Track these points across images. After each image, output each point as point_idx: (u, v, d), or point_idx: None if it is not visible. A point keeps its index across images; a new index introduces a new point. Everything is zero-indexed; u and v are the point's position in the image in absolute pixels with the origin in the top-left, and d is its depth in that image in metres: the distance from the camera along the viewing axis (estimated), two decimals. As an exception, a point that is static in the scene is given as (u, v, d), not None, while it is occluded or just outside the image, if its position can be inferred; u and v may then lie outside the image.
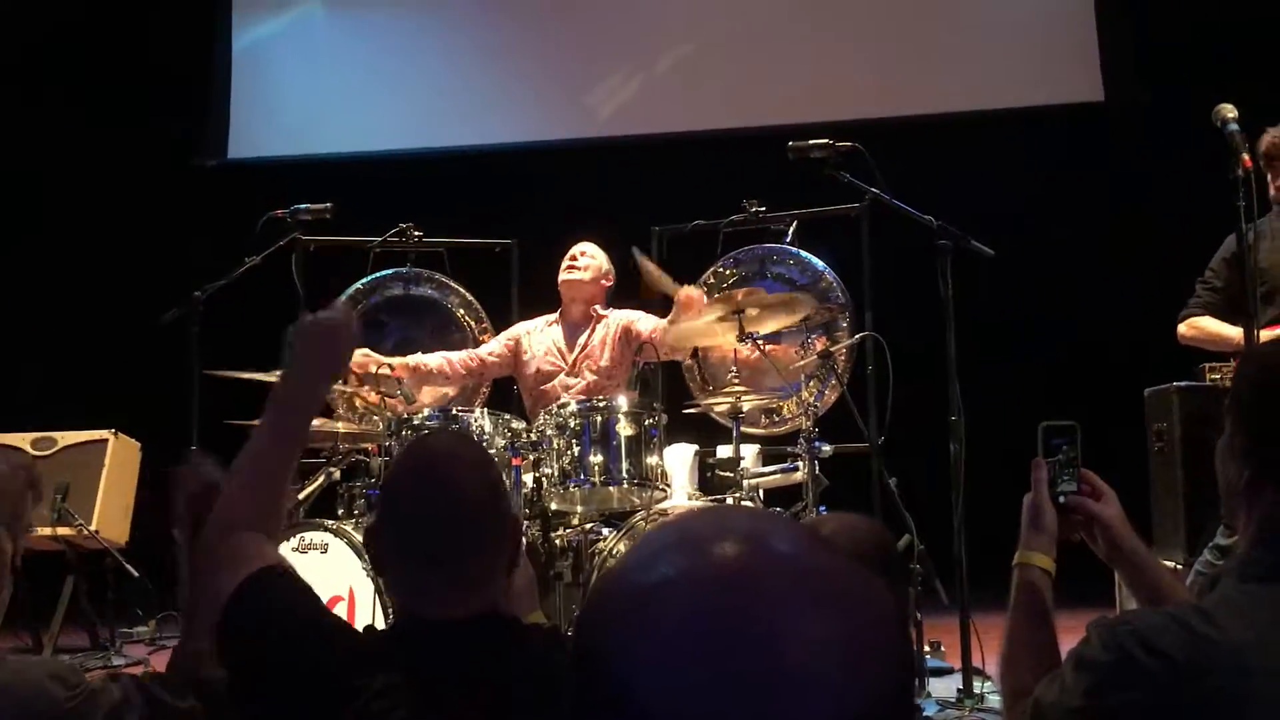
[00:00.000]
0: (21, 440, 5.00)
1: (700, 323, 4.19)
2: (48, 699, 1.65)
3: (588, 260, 4.63)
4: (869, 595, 0.69)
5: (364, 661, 1.47)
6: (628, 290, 4.79)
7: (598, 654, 0.68)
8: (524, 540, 2.10)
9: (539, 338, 4.65)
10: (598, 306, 4.64)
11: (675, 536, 0.71)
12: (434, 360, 4.59)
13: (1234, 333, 3.83)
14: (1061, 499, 1.66)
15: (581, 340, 4.58)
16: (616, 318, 4.62)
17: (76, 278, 6.91)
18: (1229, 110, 3.39)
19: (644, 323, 4.56)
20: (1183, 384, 3.97)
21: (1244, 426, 1.48)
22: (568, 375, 4.54)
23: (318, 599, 1.60)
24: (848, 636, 0.66)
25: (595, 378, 4.51)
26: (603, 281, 4.67)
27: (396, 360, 4.46)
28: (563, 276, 4.63)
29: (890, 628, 0.69)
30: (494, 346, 4.74)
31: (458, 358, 4.66)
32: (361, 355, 4.29)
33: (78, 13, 6.97)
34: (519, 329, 4.74)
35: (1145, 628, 1.33)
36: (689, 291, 4.34)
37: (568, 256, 4.66)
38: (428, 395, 4.80)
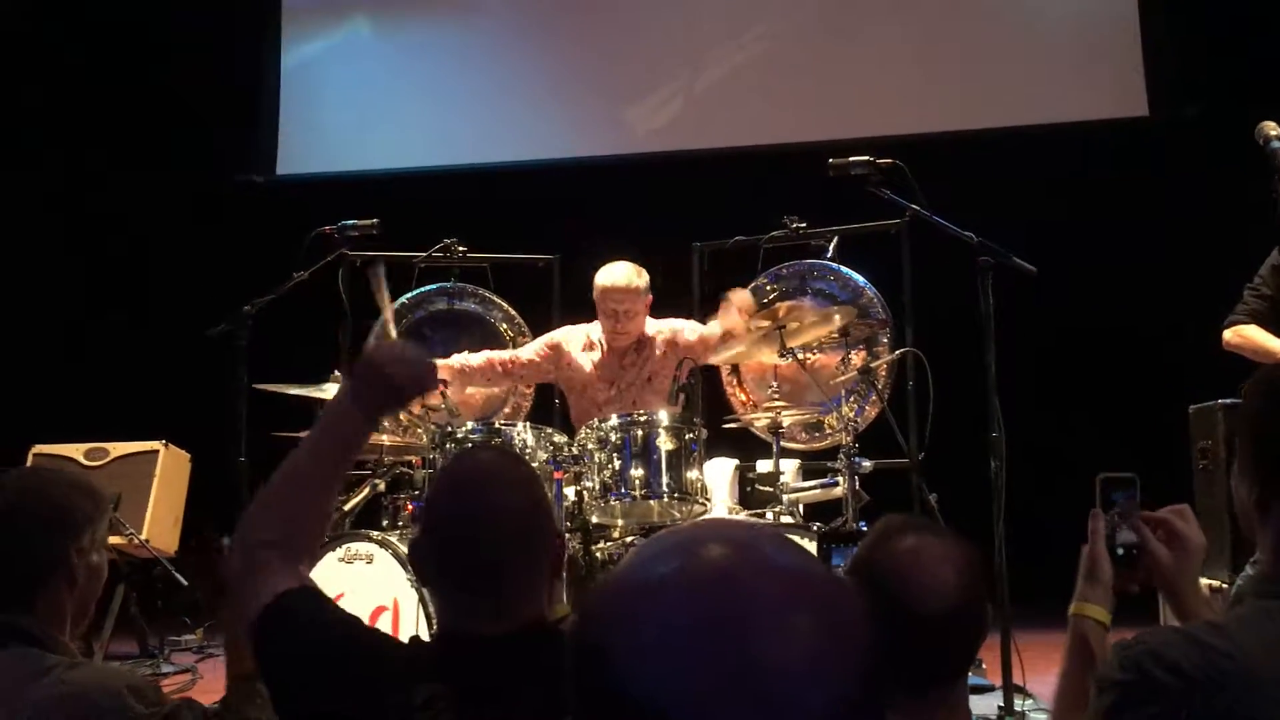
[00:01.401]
0: (74, 451, 5.11)
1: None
2: (125, 712, 1.66)
3: (628, 307, 4.46)
4: (841, 599, 0.75)
5: (406, 673, 1.47)
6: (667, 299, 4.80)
7: (595, 647, 0.74)
8: (566, 553, 2.13)
9: (580, 359, 4.63)
10: (644, 329, 4.60)
11: (671, 541, 0.77)
12: (477, 360, 4.62)
13: (1278, 345, 3.81)
14: (1119, 551, 1.63)
15: (627, 364, 4.58)
16: (662, 334, 4.59)
17: (128, 291, 7.05)
18: (1272, 128, 3.38)
19: (689, 332, 4.57)
20: (1228, 401, 3.93)
21: (1251, 445, 1.50)
22: (614, 402, 4.52)
23: (352, 615, 1.59)
24: (819, 634, 0.72)
25: (642, 391, 4.53)
26: (645, 314, 4.56)
27: (441, 362, 4.51)
28: (609, 340, 4.56)
29: (860, 630, 0.74)
30: (530, 354, 4.72)
31: (499, 357, 4.69)
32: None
33: (131, 31, 7.13)
34: (559, 336, 4.72)
35: (1160, 645, 1.35)
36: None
37: (606, 308, 4.48)
38: (479, 395, 4.86)
